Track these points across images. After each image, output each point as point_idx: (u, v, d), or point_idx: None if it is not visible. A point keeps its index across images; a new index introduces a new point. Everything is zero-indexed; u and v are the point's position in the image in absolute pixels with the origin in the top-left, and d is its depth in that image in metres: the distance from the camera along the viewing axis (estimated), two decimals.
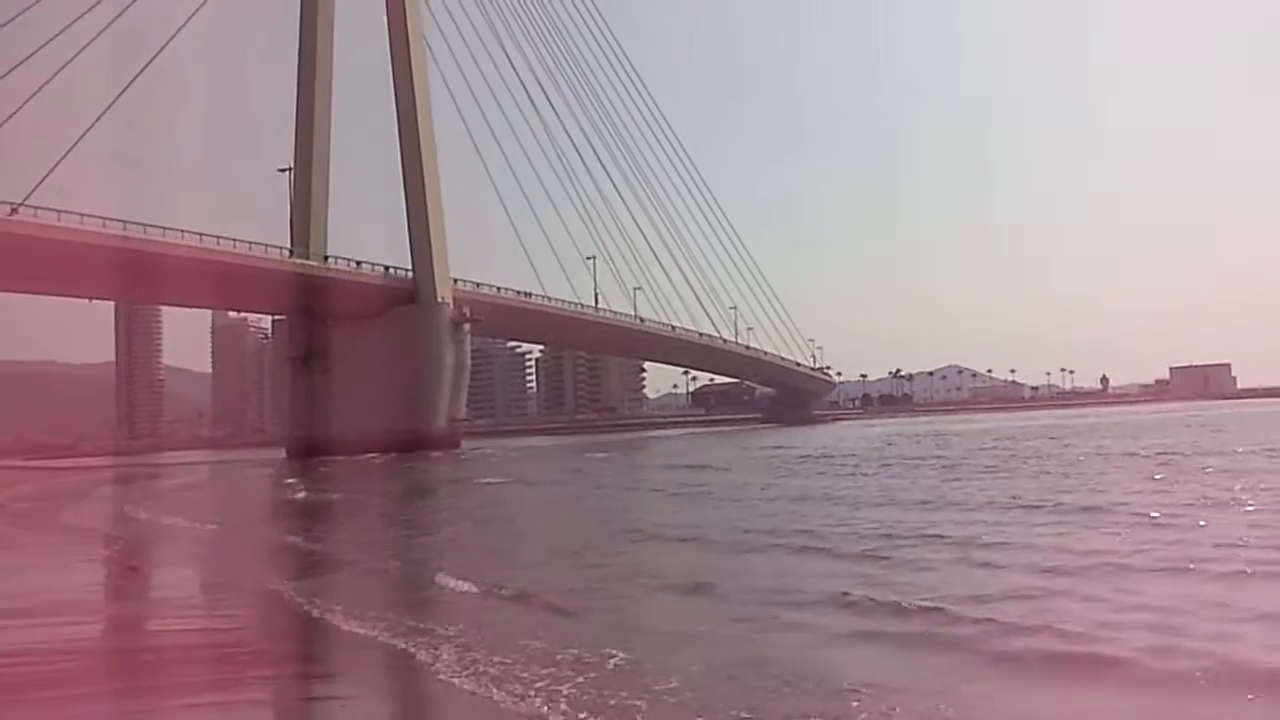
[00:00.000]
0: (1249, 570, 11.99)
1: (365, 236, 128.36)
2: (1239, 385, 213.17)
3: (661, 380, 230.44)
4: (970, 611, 10.26)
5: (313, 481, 44.13)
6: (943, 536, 16.29)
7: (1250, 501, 19.37)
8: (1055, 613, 10.16)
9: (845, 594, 11.39)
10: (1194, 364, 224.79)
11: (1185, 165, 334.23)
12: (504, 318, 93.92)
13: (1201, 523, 16.55)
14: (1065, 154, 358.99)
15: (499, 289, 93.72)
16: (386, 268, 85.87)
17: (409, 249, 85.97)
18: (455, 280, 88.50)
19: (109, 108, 68.46)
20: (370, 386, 77.87)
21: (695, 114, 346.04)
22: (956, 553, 14.56)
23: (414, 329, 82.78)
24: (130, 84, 69.22)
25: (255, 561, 18.53)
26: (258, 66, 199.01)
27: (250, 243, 75.04)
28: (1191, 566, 12.49)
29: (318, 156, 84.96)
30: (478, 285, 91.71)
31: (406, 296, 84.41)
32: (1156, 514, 17.68)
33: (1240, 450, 35.86)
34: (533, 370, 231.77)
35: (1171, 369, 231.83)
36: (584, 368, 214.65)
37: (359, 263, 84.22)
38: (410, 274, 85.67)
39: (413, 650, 9.59)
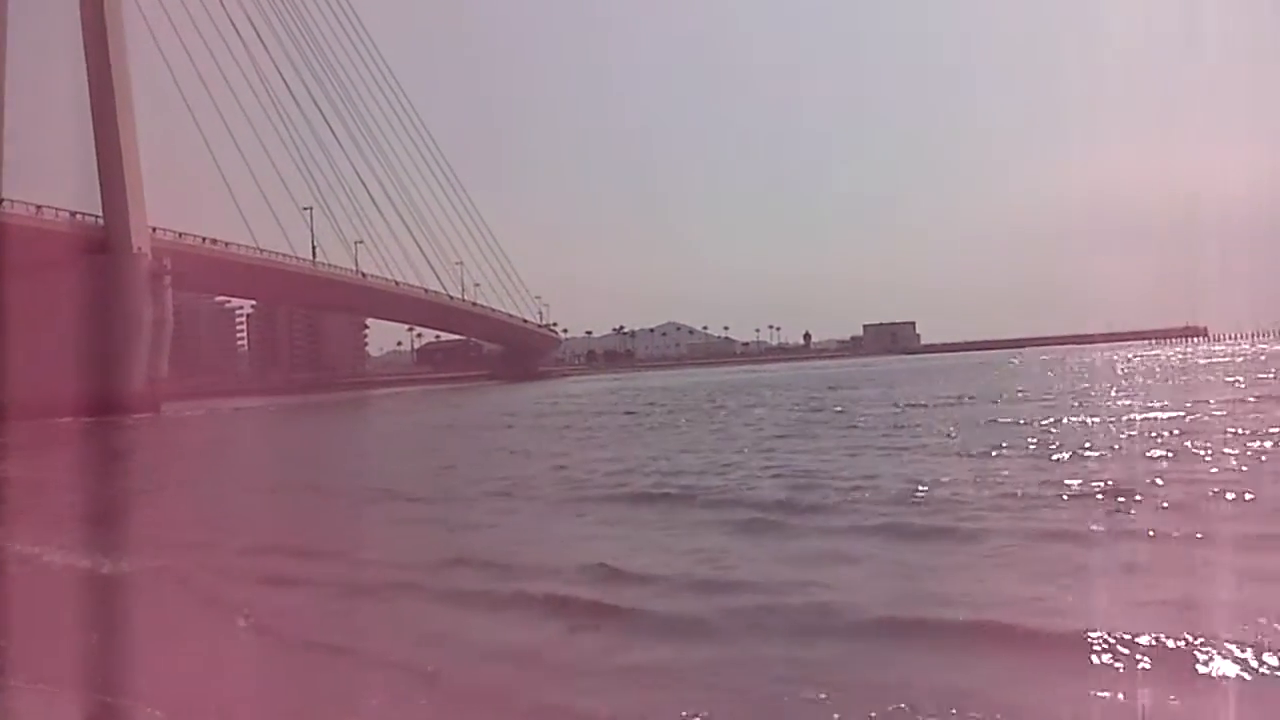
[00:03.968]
0: None
1: (51, 179, 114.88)
2: (923, 341, 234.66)
3: (385, 338, 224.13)
4: None
5: None
6: None
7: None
8: None
9: None
10: (884, 322, 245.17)
11: (880, 147, 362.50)
12: (211, 270, 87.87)
13: None
14: (771, 130, 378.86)
15: (205, 239, 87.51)
16: (73, 213, 77.69)
17: (99, 193, 78.28)
18: (155, 229, 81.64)
19: None
20: (54, 344, 70.33)
21: (420, 67, 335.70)
22: None
23: (106, 281, 75.34)
24: None
25: None
26: None
27: None
28: None
29: None
30: (180, 235, 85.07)
31: (98, 245, 76.71)
32: None
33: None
34: (244, 327, 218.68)
35: (865, 326, 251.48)
36: (301, 325, 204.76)
37: (40, 207, 75.52)
38: (101, 221, 78.06)
39: None
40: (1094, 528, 11.68)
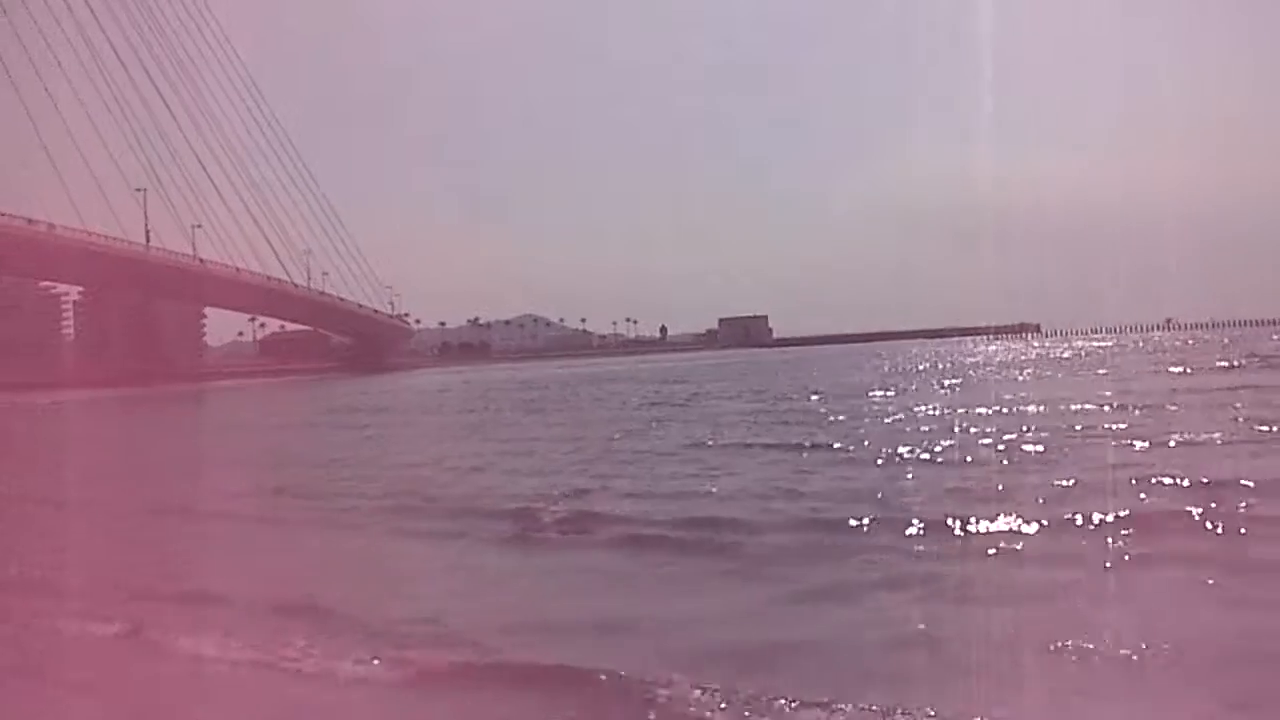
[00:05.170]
0: None
1: None
2: (775, 335, 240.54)
3: (226, 328, 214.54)
4: None
5: None
6: None
7: None
8: None
9: None
10: (738, 316, 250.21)
11: (738, 144, 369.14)
12: (33, 254, 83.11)
13: None
14: (629, 123, 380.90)
15: (27, 220, 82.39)
16: None
17: None
18: None
19: None
20: None
21: (265, 50, 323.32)
22: None
23: None
24: None
25: None
26: None
27: None
28: None
29: None
30: None
31: None
32: None
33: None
34: (70, 315, 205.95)
35: (720, 320, 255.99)
36: (133, 313, 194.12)
37: None
38: None
39: None
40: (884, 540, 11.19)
